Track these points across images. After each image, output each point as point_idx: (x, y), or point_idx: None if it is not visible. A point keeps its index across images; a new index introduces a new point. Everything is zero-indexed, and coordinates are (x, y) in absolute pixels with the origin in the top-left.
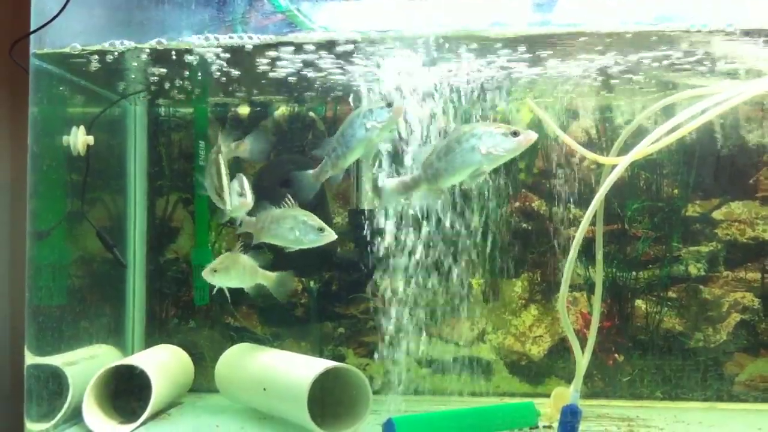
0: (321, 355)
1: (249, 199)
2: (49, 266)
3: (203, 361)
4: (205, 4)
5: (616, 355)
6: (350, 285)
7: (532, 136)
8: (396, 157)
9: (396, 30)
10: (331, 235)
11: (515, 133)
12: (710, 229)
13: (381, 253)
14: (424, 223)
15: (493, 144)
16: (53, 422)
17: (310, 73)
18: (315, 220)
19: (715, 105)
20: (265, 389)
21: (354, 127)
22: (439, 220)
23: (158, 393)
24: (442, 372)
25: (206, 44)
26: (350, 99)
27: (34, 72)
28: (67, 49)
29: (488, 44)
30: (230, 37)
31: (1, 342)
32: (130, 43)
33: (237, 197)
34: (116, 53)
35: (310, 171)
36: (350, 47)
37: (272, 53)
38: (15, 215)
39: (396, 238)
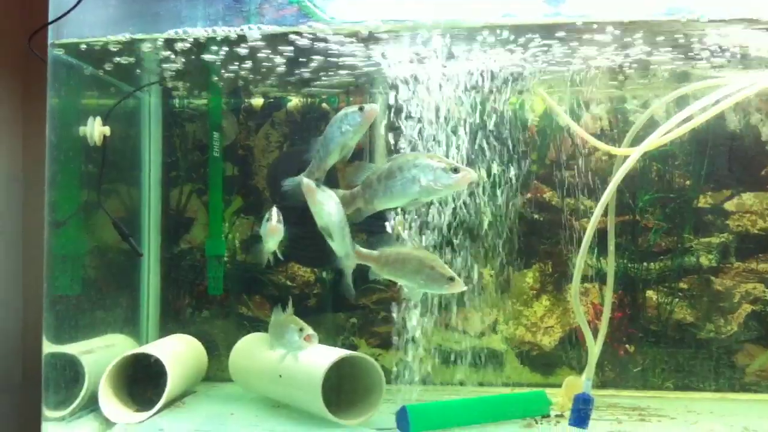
0: (334, 345)
1: (275, 223)
2: (65, 256)
3: (217, 351)
4: None
5: (628, 346)
6: (363, 275)
7: (472, 175)
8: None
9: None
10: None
11: (456, 170)
12: (722, 220)
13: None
14: (436, 213)
15: (433, 178)
16: (70, 409)
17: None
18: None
19: (727, 96)
20: (281, 376)
21: (332, 130)
22: (453, 209)
23: (173, 381)
24: (454, 362)
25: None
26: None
27: (52, 62)
28: (84, 40)
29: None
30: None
31: (14, 333)
32: (141, 35)
33: (265, 222)
34: (132, 44)
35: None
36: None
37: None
38: (28, 207)
39: (407, 228)
